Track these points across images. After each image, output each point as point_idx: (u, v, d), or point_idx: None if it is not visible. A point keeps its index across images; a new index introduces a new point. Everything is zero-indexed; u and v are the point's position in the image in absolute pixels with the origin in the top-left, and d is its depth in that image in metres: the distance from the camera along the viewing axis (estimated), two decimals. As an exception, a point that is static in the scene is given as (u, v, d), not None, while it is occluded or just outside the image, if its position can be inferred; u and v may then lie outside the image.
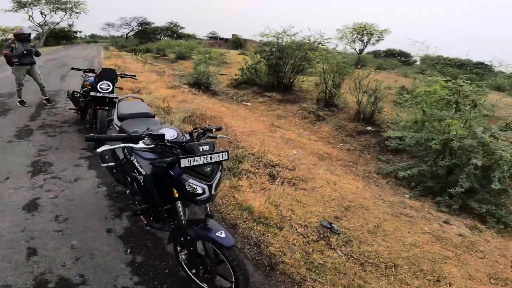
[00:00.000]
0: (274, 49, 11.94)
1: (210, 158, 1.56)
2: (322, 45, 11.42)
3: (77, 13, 42.15)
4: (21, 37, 5.49)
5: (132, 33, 49.70)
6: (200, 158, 1.52)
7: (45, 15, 39.87)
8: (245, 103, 11.64)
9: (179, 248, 1.77)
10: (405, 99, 6.11)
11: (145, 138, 1.56)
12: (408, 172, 4.70)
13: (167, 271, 2.03)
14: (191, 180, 1.52)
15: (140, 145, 1.55)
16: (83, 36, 60.06)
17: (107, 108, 3.70)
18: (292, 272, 2.18)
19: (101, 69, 3.88)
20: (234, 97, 12.35)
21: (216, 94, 12.01)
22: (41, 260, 1.97)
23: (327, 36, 12.98)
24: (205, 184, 1.56)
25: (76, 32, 49.24)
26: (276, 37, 11.94)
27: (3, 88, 7.13)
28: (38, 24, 39.80)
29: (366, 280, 2.16)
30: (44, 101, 6.03)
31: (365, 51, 30.97)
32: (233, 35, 48.10)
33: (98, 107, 3.67)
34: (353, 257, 2.42)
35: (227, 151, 1.67)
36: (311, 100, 11.17)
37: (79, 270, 1.93)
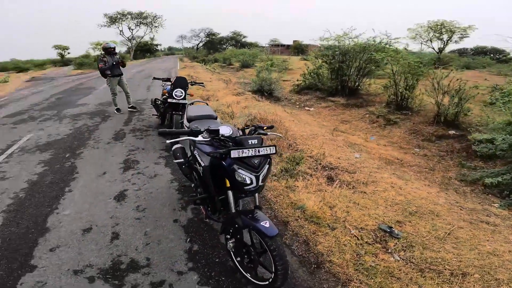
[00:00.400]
0: (336, 52, 11.61)
1: (258, 151, 1.70)
2: (390, 46, 10.59)
3: (156, 27, 46.56)
4: (109, 51, 6.34)
5: (201, 44, 53.21)
6: (248, 150, 1.67)
7: (132, 29, 44.99)
8: (307, 108, 11.57)
9: (228, 237, 1.95)
10: (495, 98, 5.21)
11: (203, 132, 1.82)
12: (498, 179, 4.00)
13: (217, 260, 2.22)
14: (240, 171, 1.68)
15: (199, 138, 1.82)
16: (162, 49, 65.50)
17: (180, 113, 4.27)
18: (338, 272, 2.13)
19: (175, 78, 4.50)
20: (297, 103, 12.41)
21: (279, 100, 12.27)
22: (120, 244, 2.36)
23: (394, 36, 11.99)
24: (253, 174, 1.70)
25: (157, 45, 53.92)
26: (337, 40, 11.62)
27: (103, 99, 8.79)
28: (128, 38, 45.14)
29: (422, 286, 1.97)
30: (128, 108, 7.05)
31: (447, 49, 27.50)
32: (294, 41, 48.11)
33: (174, 112, 4.26)
34: (412, 263, 2.22)
35: (275, 146, 1.79)
36: (380, 104, 10.41)
37: (146, 254, 2.25)
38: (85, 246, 2.32)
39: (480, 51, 32.05)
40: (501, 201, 3.96)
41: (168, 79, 4.86)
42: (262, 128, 2.11)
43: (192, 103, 3.41)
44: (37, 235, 2.42)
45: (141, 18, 44.29)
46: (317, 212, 2.82)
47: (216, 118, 2.93)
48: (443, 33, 25.27)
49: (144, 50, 49.66)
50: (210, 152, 1.85)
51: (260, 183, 1.74)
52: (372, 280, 2.02)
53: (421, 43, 27.67)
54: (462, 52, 33.66)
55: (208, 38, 50.94)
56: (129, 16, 43.18)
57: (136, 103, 7.84)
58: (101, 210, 2.82)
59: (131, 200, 3.01)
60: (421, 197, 3.35)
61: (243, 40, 51.14)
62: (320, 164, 4.16)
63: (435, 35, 25.86)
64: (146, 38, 48.09)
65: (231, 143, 1.80)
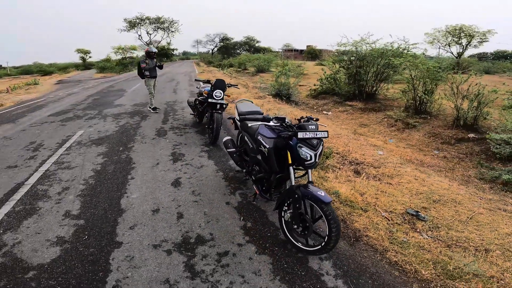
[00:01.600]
0: (353, 57, 11.88)
1: (316, 134, 2.15)
2: (408, 51, 10.81)
3: (173, 31, 47.56)
4: (151, 55, 7.07)
5: (215, 49, 53.83)
6: (310, 133, 2.13)
7: (150, 34, 46.17)
8: (325, 112, 11.87)
9: (285, 208, 2.36)
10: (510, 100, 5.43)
11: (273, 119, 2.28)
12: (516, 176, 4.23)
13: (269, 234, 2.60)
14: (304, 148, 2.13)
15: (271, 123, 2.28)
16: (177, 54, 66.50)
17: (220, 111, 4.74)
18: (375, 244, 2.50)
19: (215, 80, 4.98)
20: (314, 107, 12.73)
21: (297, 104, 12.64)
22: (185, 222, 2.77)
23: (412, 41, 12.18)
24: (313, 152, 2.14)
25: (173, 49, 54.39)
26: (355, 45, 11.90)
27: (136, 100, 9.45)
28: (146, 43, 46.17)
29: (452, 257, 2.30)
30: (149, 108, 7.62)
31: (466, 54, 27.12)
32: (307, 46, 48.20)
33: (214, 111, 4.73)
34: (440, 240, 2.55)
35: (327, 131, 2.21)
36: (398, 108, 10.61)
37: (209, 230, 2.65)
38: (157, 224, 2.73)
39: (501, 56, 31.45)
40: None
41: (208, 81, 5.34)
42: (313, 119, 2.52)
43: (239, 101, 3.87)
44: (116, 215, 2.85)
45: (158, 23, 45.36)
46: (350, 197, 3.19)
47: (262, 114, 3.37)
48: (462, 37, 25.04)
49: (161, 54, 51.09)
50: (280, 132, 2.28)
51: (317, 160, 2.16)
52: (406, 251, 2.37)
53: (439, 48, 27.50)
54: (481, 57, 33.11)
55: (222, 43, 51.59)
56: (147, 21, 44.34)
57: (168, 104, 8.42)
58: (163, 194, 3.27)
59: (186, 186, 3.46)
60: (443, 188, 3.67)
61: (257, 45, 51.57)
62: (346, 159, 4.53)
63: (453, 40, 25.65)
64: (163, 43, 49.02)
65: (293, 129, 2.24)
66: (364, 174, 4.04)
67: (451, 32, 25.17)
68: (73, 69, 40.61)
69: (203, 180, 3.61)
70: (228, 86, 5.09)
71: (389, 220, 2.88)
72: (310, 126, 2.18)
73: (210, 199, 3.18)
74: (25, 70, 42.55)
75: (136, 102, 9.01)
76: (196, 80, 6.13)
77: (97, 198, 3.17)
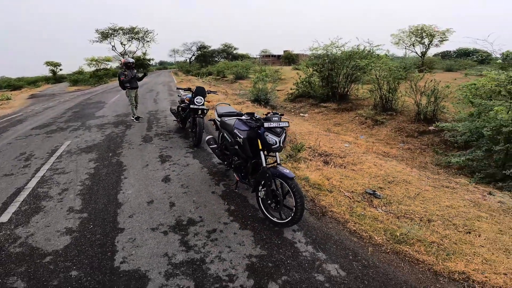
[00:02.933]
0: (325, 60, 12.62)
1: (279, 124, 2.68)
2: (373, 53, 11.73)
3: (148, 41, 46.57)
4: (129, 65, 7.19)
5: (193, 57, 53.19)
6: (274, 123, 2.66)
7: (124, 44, 45.01)
8: (302, 114, 12.56)
9: (260, 188, 2.86)
10: (459, 93, 6.28)
11: (245, 114, 2.82)
12: (462, 158, 4.98)
13: (250, 214, 3.08)
14: (270, 135, 2.66)
15: (243, 117, 2.81)
16: (153, 64, 64.95)
17: (201, 116, 5.19)
18: (338, 217, 3.03)
19: (195, 87, 5.43)
20: (292, 110, 13.42)
21: (275, 108, 13.23)
22: (177, 209, 3.19)
23: (377, 42, 13.17)
24: (277, 138, 2.68)
25: (149, 60, 53.04)
26: (325, 49, 12.67)
27: (117, 111, 9.66)
28: (120, 53, 44.85)
29: (400, 226, 2.87)
30: (132, 118, 7.80)
31: (430, 53, 29.04)
32: (284, 51, 49.31)
33: (196, 116, 5.17)
34: (391, 213, 3.13)
35: (288, 121, 2.77)
36: (368, 107, 11.47)
37: (198, 214, 3.09)
38: (153, 212, 3.13)
39: (463, 53, 33.85)
40: (469, 180, 4.92)
41: (189, 89, 5.78)
42: (278, 114, 3.05)
43: (218, 104, 4.36)
44: (115, 208, 3.23)
45: (133, 33, 44.46)
46: (318, 181, 3.74)
47: (241, 115, 3.87)
48: (424, 37, 26.81)
49: (137, 65, 49.99)
50: (251, 124, 2.80)
51: (281, 144, 2.69)
52: (363, 222, 2.92)
53: (405, 48, 29.24)
54: (445, 55, 35.45)
55: (200, 51, 51.53)
56: (121, 32, 43.39)
57: (150, 113, 8.73)
58: (155, 188, 3.67)
59: (175, 181, 3.88)
60: (397, 171, 4.32)
61: (235, 52, 52.05)
62: (316, 152, 5.12)
63: (416, 40, 27.38)
64: (139, 53, 48.14)
65: (261, 120, 2.75)
66: (331, 163, 4.62)
67: (414, 32, 26.84)
68: (43, 82, 39.19)
69: (190, 175, 4.04)
70: (208, 93, 5.55)
71: (350, 199, 3.45)
72: (274, 118, 2.72)
73: (197, 190, 3.62)
74: (-8, 85, 40.53)
75: (118, 113, 9.23)
76: (177, 88, 6.54)
77: (96, 196, 3.53)
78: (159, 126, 7.08)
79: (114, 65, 41.79)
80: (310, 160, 4.66)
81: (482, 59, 26.16)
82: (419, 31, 26.27)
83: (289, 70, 26.53)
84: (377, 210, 3.26)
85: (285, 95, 15.77)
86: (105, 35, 42.68)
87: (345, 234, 2.77)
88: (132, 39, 45.27)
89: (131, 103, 7.60)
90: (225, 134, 3.51)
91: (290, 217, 2.65)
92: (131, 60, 7.50)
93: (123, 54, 45.45)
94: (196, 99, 5.18)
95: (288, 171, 2.62)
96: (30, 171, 4.44)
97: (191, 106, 5.20)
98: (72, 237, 2.71)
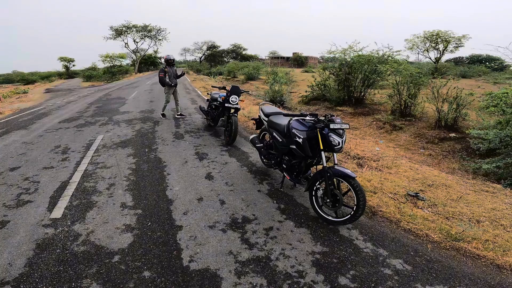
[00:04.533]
0: (343, 63, 12.64)
1: (342, 125, 2.74)
2: (392, 58, 11.74)
3: (160, 40, 47.14)
4: (169, 62, 7.10)
5: (203, 57, 53.61)
6: (337, 124, 2.73)
7: (137, 42, 45.58)
8: (319, 117, 12.60)
9: (317, 187, 2.92)
10: (485, 102, 6.30)
11: (308, 115, 2.89)
12: (493, 164, 4.99)
13: (301, 213, 3.13)
14: (334, 136, 2.71)
15: (308, 117, 2.85)
16: (163, 62, 66.97)
17: (236, 115, 5.26)
18: (389, 216, 3.08)
19: (231, 86, 5.50)
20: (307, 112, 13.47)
21: (290, 110, 13.32)
22: (228, 207, 3.24)
23: (396, 48, 13.14)
24: (340, 138, 2.74)
25: (160, 58, 53.46)
26: (343, 53, 12.71)
27: (141, 107, 9.78)
28: (132, 51, 45.59)
29: (451, 226, 2.91)
30: (177, 116, 7.95)
31: (443, 59, 28.86)
32: (293, 53, 49.46)
33: (230, 114, 5.25)
34: (439, 214, 3.17)
35: (348, 124, 2.82)
36: (385, 112, 11.48)
37: (251, 212, 3.14)
38: (205, 209, 3.17)
39: (476, 60, 33.62)
40: (497, 184, 4.94)
41: (224, 87, 5.86)
42: (334, 116, 3.10)
43: (263, 104, 4.43)
44: (167, 205, 3.26)
45: (145, 31, 44.98)
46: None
47: (282, 113, 3.93)
48: (439, 43, 26.68)
49: (148, 63, 50.72)
50: (312, 124, 2.84)
51: (342, 145, 2.74)
52: (415, 221, 2.97)
53: (418, 54, 29.16)
54: (458, 61, 35.26)
55: (210, 51, 51.97)
56: (134, 29, 43.96)
57: (174, 111, 8.84)
58: (201, 186, 3.74)
59: (218, 179, 3.94)
60: (434, 175, 4.35)
61: (243, 52, 52.39)
62: (349, 155, 5.16)
63: (431, 45, 27.26)
64: (150, 51, 48.76)
65: (325, 122, 2.80)
66: (366, 166, 4.66)
67: (429, 38, 26.75)
68: (56, 77, 39.79)
69: (232, 173, 4.11)
70: (241, 92, 5.62)
71: (395, 200, 3.49)
72: (337, 120, 2.77)
73: (243, 188, 3.68)
74: (6, 79, 41.31)
75: (142, 109, 9.37)
76: (212, 86, 6.65)
77: (145, 191, 3.59)
78: (186, 123, 7.18)
79: (126, 62, 42.25)
80: (345, 162, 4.70)
81: (497, 67, 25.95)
82: (434, 36, 26.15)
83: (299, 73, 26.56)
84: (423, 211, 3.30)
85: (298, 97, 15.80)
86: (119, 32, 43.22)
87: (401, 233, 2.83)
88: (145, 36, 45.76)
89: (166, 100, 7.54)
90: (274, 134, 3.57)
91: (350, 215, 2.71)
92: (172, 57, 7.34)
93: (135, 51, 46.01)
94: (231, 98, 5.25)
95: (349, 171, 2.68)
96: (70, 165, 4.54)
97: (226, 105, 5.27)
98: (133, 235, 2.74)
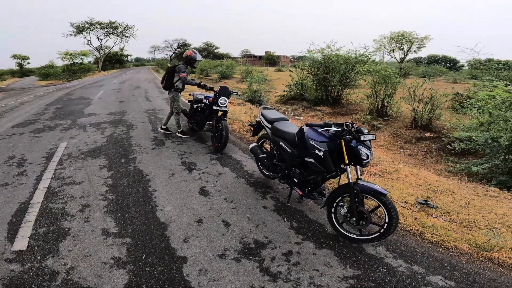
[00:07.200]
0: (322, 63, 12.62)
1: (369, 137, 2.42)
2: (369, 58, 11.98)
3: (127, 37, 45.00)
4: (192, 62, 5.50)
5: (174, 55, 52.28)
6: (366, 136, 2.41)
7: (101, 39, 43.12)
8: (297, 117, 12.44)
9: (340, 203, 2.59)
10: (469, 104, 6.48)
11: (333, 125, 2.49)
12: (482, 167, 5.07)
13: (317, 231, 2.78)
14: (364, 149, 2.39)
15: (332, 128, 2.48)
16: (130, 60, 62.69)
17: (225, 118, 4.77)
18: (411, 229, 2.86)
19: (219, 87, 4.99)
20: (285, 112, 13.25)
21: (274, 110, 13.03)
22: (235, 229, 2.74)
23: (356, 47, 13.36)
24: (369, 151, 2.43)
25: (127, 56, 51.57)
26: (321, 52, 12.71)
27: (109, 108, 8.73)
28: (96, 48, 43.12)
29: (474, 235, 2.75)
30: (162, 128, 6.12)
31: (406, 59, 30.57)
32: (266, 52, 49.70)
33: (219, 118, 4.74)
34: (455, 222, 3.01)
35: (374, 134, 2.51)
36: (363, 112, 11.65)
37: (262, 234, 2.70)
38: (209, 234, 2.66)
39: (433, 60, 36.19)
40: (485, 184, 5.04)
41: (211, 88, 5.30)
42: (353, 124, 2.76)
43: (264, 108, 3.98)
44: (161, 230, 2.70)
45: (111, 28, 42.73)
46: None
47: (288, 120, 3.55)
48: (404, 43, 28.17)
49: (113, 61, 47.92)
50: (343, 137, 2.46)
51: (370, 158, 2.42)
52: (439, 232, 2.77)
53: (383, 54, 30.54)
54: (417, 61, 37.70)
55: (181, 49, 50.71)
56: (98, 26, 41.57)
57: (149, 112, 8.07)
58: (196, 204, 3.21)
59: (215, 194, 3.44)
60: (435, 180, 4.26)
61: (216, 51, 51.58)
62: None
63: (396, 46, 28.71)
64: (116, 49, 46.49)
65: (352, 133, 2.46)
66: (365, 171, 4.46)
67: (394, 38, 28.15)
68: (9, 76, 36.12)
69: (229, 187, 3.64)
70: (230, 93, 5.15)
71: (408, 209, 3.29)
72: (364, 130, 2.45)
73: (246, 205, 3.23)
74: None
75: (111, 111, 8.43)
76: (199, 86, 6.04)
77: (129, 214, 2.99)
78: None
79: (88, 59, 39.36)
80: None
81: (450, 66, 28.06)
82: (399, 37, 27.51)
83: (273, 72, 26.46)
84: (439, 219, 3.13)
85: (275, 96, 15.58)
86: (80, 29, 40.44)
87: (428, 246, 2.62)
88: (110, 34, 43.34)
89: (176, 111, 5.59)
90: (281, 143, 3.16)
91: (379, 233, 2.42)
92: (200, 56, 5.71)
93: (99, 49, 43.21)
94: (220, 100, 4.76)
95: (379, 187, 2.38)
96: (29, 181, 3.76)
97: (214, 107, 4.77)
98: (127, 272, 2.19)
